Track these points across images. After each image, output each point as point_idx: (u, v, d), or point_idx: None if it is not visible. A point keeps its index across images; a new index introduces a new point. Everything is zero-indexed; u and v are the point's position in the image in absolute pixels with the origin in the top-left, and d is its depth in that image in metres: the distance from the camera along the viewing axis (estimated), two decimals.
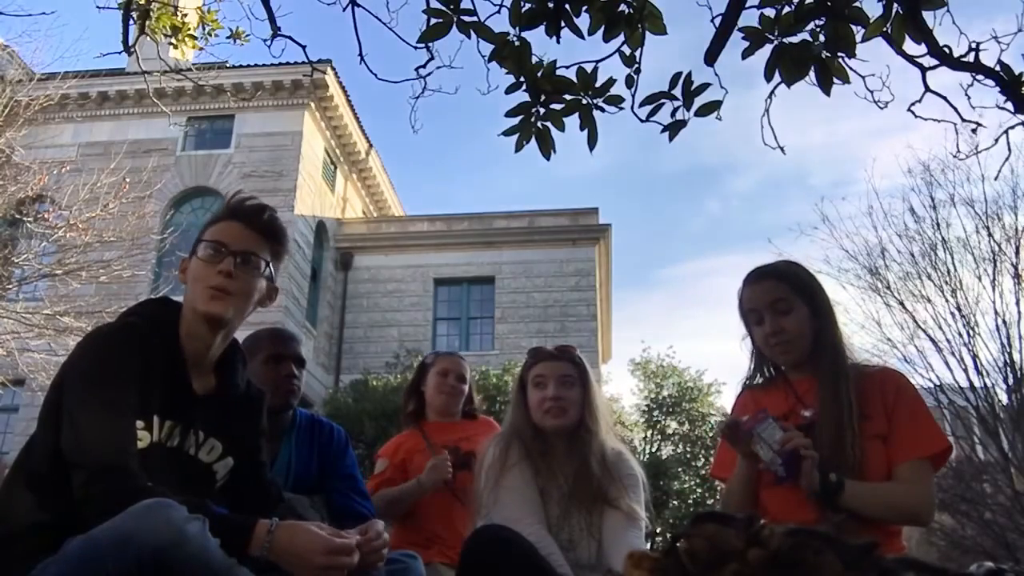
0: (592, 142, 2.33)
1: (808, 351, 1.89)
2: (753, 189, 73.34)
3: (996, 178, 11.53)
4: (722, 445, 2.09)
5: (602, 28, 2.20)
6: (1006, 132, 2.44)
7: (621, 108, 2.29)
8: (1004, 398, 10.31)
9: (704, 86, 2.23)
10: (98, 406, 1.38)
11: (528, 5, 2.19)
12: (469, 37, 2.24)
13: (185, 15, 3.55)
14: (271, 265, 1.64)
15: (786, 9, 2.09)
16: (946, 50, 2.05)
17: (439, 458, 2.63)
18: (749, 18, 2.11)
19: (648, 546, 2.58)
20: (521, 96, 2.32)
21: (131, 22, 3.23)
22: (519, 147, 2.36)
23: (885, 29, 2.08)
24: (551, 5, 2.16)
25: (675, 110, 2.25)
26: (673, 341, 51.90)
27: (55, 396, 1.45)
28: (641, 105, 2.27)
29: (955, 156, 2.94)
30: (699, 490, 15.61)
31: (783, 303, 1.88)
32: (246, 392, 1.71)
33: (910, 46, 2.11)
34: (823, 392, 1.82)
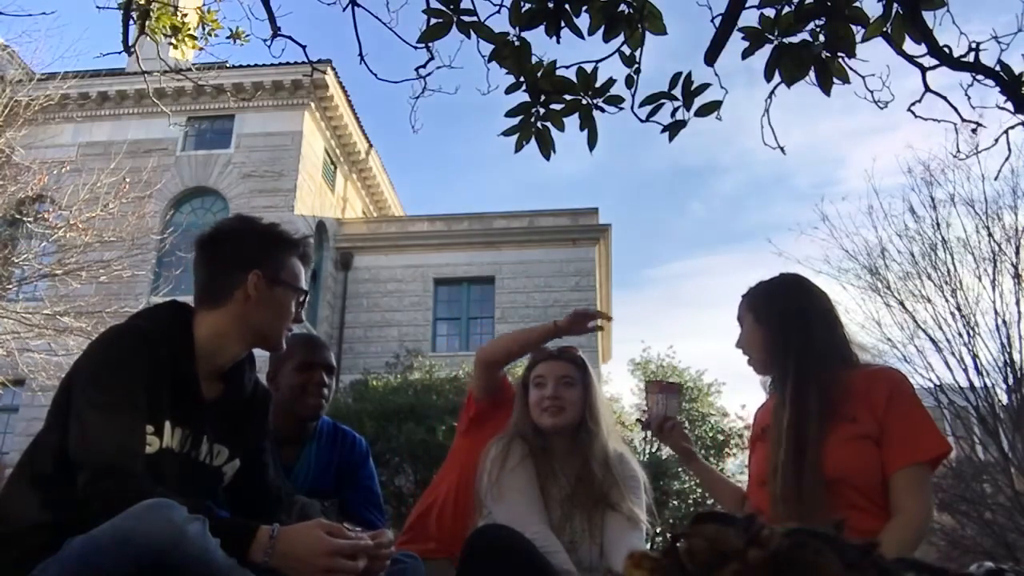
0: (592, 142, 2.33)
1: (766, 360, 1.93)
2: (736, 190, 73.53)
3: (996, 178, 11.52)
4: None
5: (602, 28, 2.20)
6: (1006, 132, 2.45)
7: (621, 108, 2.29)
8: (1004, 398, 10.29)
9: (704, 86, 2.23)
10: (106, 407, 1.39)
11: (528, 5, 2.19)
12: (469, 37, 2.24)
13: (185, 15, 3.55)
14: None
15: (786, 9, 2.09)
16: (946, 50, 2.05)
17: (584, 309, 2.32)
18: (749, 18, 2.11)
19: (649, 547, 2.57)
20: (521, 96, 2.32)
21: (131, 22, 3.23)
22: (519, 147, 2.36)
23: (885, 29, 2.08)
24: (551, 5, 2.16)
25: (675, 110, 2.26)
26: (662, 340, 52.18)
27: (63, 397, 1.46)
28: (641, 105, 2.27)
29: (955, 156, 2.95)
30: (699, 490, 15.58)
31: (740, 320, 2.00)
32: (252, 393, 1.72)
33: (910, 46, 2.11)
34: (777, 396, 1.86)
